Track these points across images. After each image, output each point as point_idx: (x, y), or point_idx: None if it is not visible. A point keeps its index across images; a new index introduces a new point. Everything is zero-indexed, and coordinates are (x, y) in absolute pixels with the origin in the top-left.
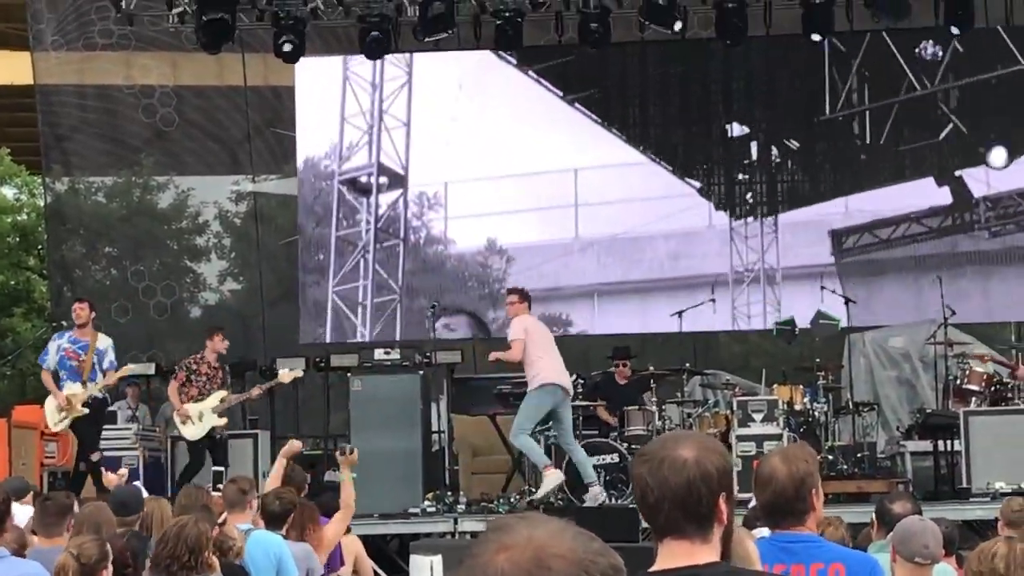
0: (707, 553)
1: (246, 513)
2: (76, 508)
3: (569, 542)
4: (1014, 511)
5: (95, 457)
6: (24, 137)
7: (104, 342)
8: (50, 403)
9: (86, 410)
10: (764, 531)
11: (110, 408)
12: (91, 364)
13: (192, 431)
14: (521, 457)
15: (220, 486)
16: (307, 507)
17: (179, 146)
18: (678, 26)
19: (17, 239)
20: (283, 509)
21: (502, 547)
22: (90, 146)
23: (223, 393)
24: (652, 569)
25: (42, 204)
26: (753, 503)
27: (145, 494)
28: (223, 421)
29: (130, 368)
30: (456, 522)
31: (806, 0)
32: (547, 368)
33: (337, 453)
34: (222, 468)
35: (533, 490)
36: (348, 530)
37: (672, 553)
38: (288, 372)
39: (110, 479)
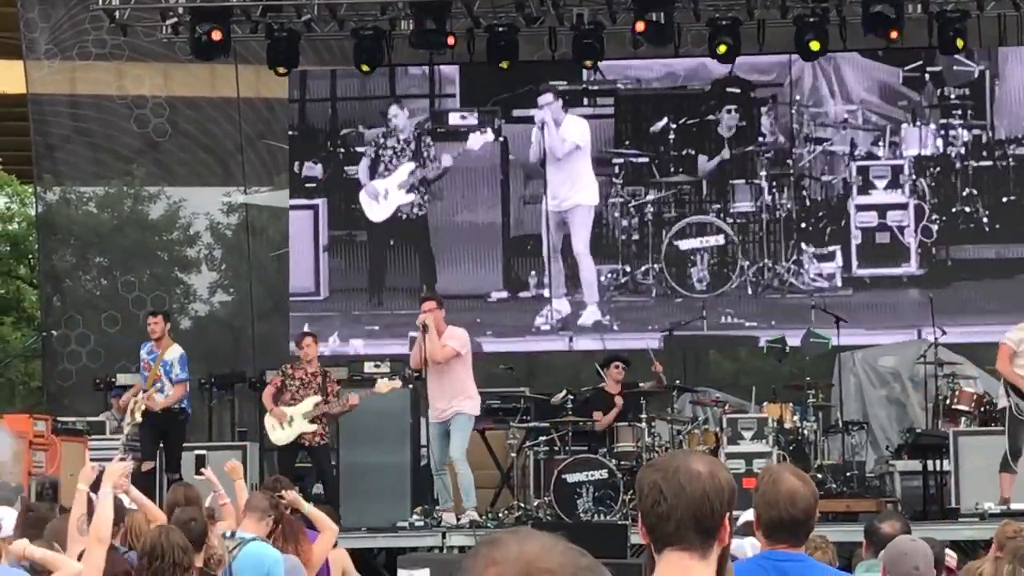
0: (705, 570)
1: (262, 524)
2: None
3: (559, 557)
4: (1008, 536)
5: (145, 468)
6: (15, 146)
7: (172, 353)
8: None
9: (139, 419)
10: (745, 544)
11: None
12: (156, 375)
13: (280, 435)
14: (510, 472)
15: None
16: (294, 523)
17: (171, 157)
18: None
19: (7, 248)
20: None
21: (492, 562)
22: (82, 156)
23: (316, 398)
24: None
25: (33, 213)
26: (742, 520)
27: (131, 505)
28: (314, 427)
29: (166, 398)
30: (444, 536)
31: (799, 18)
32: (476, 394)
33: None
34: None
35: (522, 505)
36: (335, 544)
37: (672, 566)
38: (386, 383)
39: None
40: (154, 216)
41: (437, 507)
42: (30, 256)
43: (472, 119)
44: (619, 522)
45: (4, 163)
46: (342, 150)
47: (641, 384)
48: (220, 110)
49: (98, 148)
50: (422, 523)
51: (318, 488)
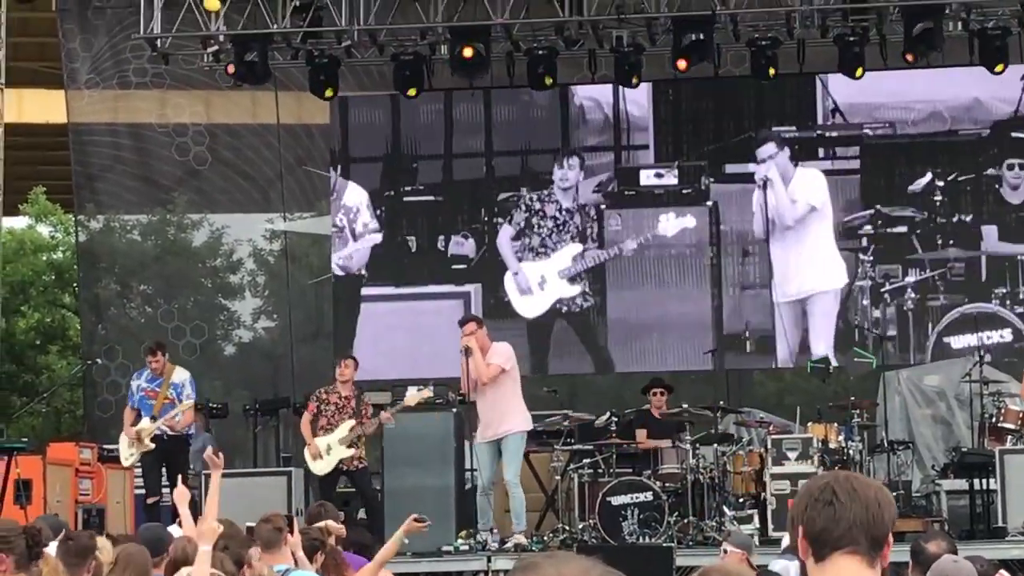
0: None
1: (283, 552)
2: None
3: None
4: None
5: (150, 500)
6: (59, 175)
7: (180, 375)
8: (123, 439)
9: (152, 445)
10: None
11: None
12: (163, 399)
13: (320, 466)
14: (554, 495)
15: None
16: (337, 553)
17: (212, 184)
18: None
19: (52, 277)
20: (310, 546)
21: None
22: (123, 184)
23: (351, 423)
24: None
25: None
26: (786, 542)
27: (179, 532)
28: (352, 452)
29: (182, 419)
30: (489, 560)
31: (840, 37)
32: (525, 409)
33: (413, 517)
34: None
35: (567, 528)
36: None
37: (842, 570)
38: (416, 393)
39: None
40: (197, 243)
41: (479, 527)
42: (74, 285)
43: (671, 178)
44: (664, 544)
45: (48, 192)
46: (499, 220)
47: (684, 404)
48: (260, 137)
49: (139, 177)
50: (467, 547)
51: (362, 513)
